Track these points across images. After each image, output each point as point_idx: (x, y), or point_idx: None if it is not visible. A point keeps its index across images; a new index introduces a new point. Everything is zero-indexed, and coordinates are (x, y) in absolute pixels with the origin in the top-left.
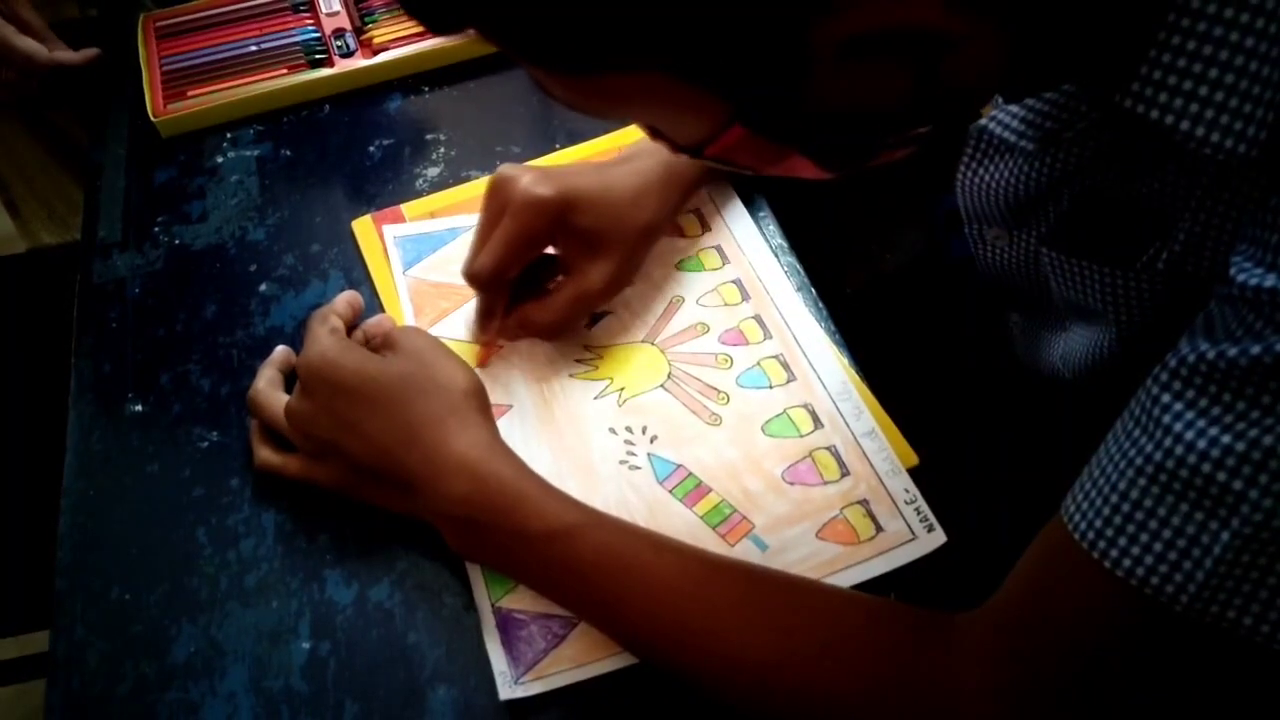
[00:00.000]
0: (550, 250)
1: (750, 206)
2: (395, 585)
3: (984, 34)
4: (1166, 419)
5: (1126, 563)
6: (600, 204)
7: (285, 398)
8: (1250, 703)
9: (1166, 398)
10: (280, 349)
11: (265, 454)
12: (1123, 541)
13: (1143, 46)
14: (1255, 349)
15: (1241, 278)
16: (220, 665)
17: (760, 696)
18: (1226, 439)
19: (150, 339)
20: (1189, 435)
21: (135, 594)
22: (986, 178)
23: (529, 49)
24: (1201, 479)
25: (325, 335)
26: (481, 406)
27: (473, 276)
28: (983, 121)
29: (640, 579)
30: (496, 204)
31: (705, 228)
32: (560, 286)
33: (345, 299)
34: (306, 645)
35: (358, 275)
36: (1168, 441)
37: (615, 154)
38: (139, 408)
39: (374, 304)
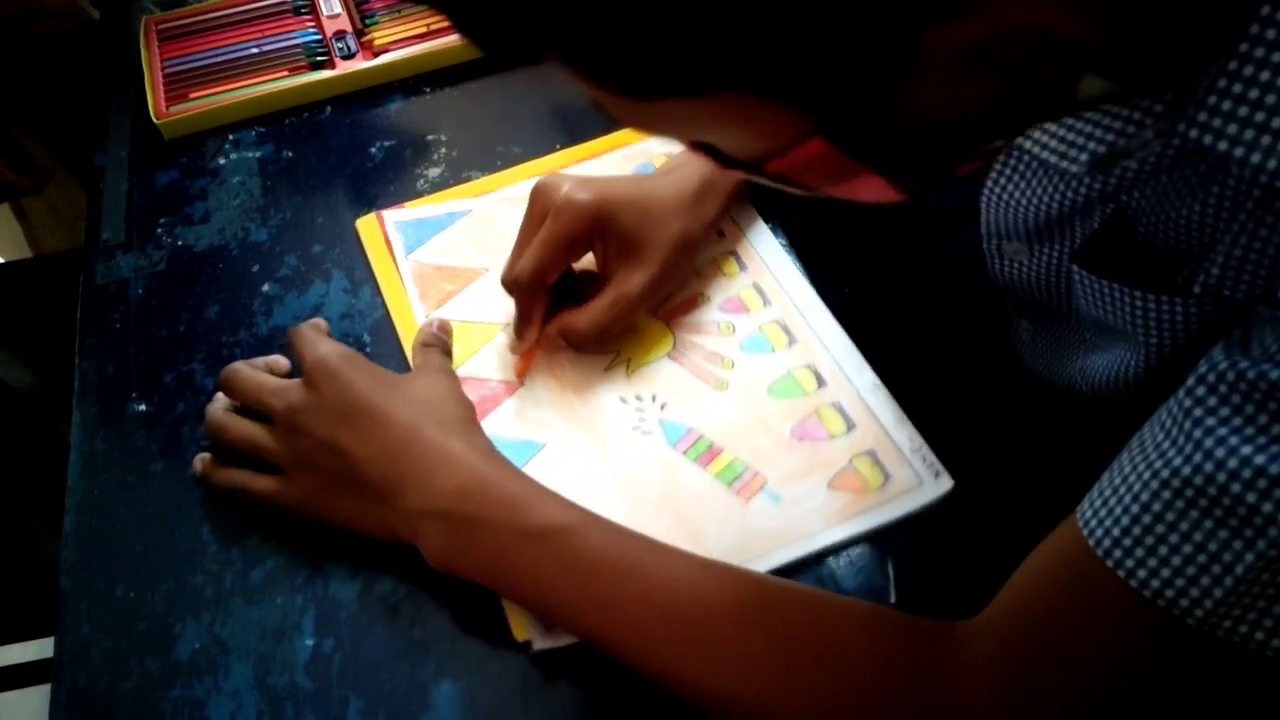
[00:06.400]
0: (587, 260)
1: None
2: (399, 581)
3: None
4: (1198, 434)
5: (1142, 574)
6: (638, 209)
7: (246, 422)
8: (1256, 716)
9: (1199, 412)
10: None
11: (229, 473)
12: (1140, 553)
13: (1210, 73)
14: None
15: None
16: (225, 662)
17: (758, 710)
18: (1260, 460)
19: (153, 339)
20: (1220, 452)
21: (140, 592)
22: (1017, 195)
23: (603, 74)
24: (1230, 498)
25: (336, 343)
26: (478, 430)
27: (514, 280)
28: (1018, 139)
29: (639, 581)
30: (537, 210)
31: None
32: (600, 294)
33: (311, 325)
34: (310, 642)
35: (360, 275)
36: (1197, 457)
37: (659, 169)
38: (142, 407)
39: (377, 303)
